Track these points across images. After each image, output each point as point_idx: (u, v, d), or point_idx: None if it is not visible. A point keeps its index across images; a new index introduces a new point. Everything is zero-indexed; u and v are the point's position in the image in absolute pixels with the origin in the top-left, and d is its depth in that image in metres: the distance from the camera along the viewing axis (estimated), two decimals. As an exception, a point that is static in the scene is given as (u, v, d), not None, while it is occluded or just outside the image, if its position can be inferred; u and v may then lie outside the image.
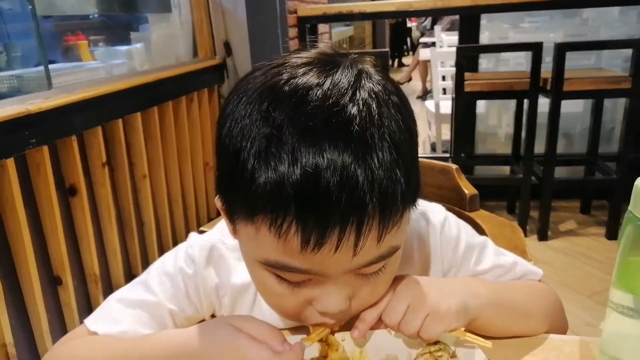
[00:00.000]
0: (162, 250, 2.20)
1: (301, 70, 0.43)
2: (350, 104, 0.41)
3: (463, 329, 0.51)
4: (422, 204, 0.63)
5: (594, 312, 1.92)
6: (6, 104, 1.41)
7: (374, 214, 0.41)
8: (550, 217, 2.52)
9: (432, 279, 0.56)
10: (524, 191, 2.48)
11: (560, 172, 2.57)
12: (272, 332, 0.45)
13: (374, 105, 0.42)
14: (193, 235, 0.65)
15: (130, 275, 2.00)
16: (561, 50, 2.21)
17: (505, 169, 2.93)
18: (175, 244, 2.28)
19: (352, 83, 0.43)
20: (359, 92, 0.43)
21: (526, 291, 0.62)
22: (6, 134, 1.34)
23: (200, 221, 2.52)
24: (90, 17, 2.14)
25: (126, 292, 0.61)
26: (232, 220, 0.47)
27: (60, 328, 1.64)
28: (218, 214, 2.11)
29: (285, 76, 0.43)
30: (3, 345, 1.38)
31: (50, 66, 1.66)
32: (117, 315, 0.58)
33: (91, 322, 0.58)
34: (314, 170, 0.39)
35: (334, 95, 0.42)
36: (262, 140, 0.41)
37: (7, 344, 1.38)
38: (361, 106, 0.42)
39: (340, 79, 0.43)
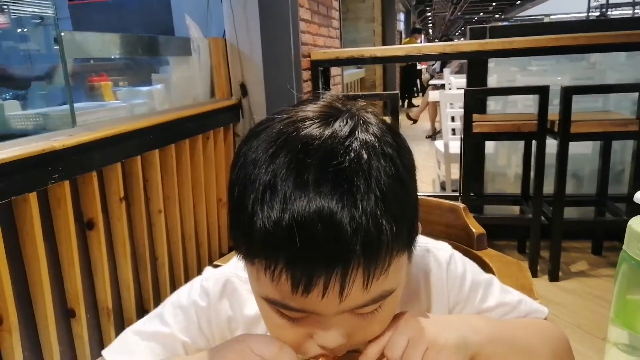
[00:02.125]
0: (174, 285, 2.22)
1: (305, 123, 0.47)
2: (343, 156, 0.44)
3: None
4: (429, 242, 0.66)
5: (608, 356, 1.88)
6: (32, 140, 1.47)
7: (358, 262, 0.43)
8: (560, 257, 2.51)
9: (434, 315, 0.58)
10: (534, 231, 2.48)
11: (570, 212, 2.57)
12: (283, 352, 0.48)
13: (365, 157, 0.44)
14: (208, 269, 0.68)
15: (142, 310, 2.01)
16: (568, 93, 2.26)
17: (515, 209, 2.93)
18: (187, 279, 2.31)
19: (347, 135, 0.46)
20: (353, 143, 0.45)
21: (530, 328, 0.63)
22: (31, 169, 1.40)
23: (212, 257, 2.54)
24: (114, 58, 2.25)
25: (142, 324, 0.64)
26: (239, 257, 0.50)
27: (71, 360, 1.65)
28: (230, 250, 2.15)
29: (290, 128, 0.47)
30: (16, 377, 1.39)
31: (75, 105, 1.75)
32: (132, 346, 0.61)
33: (108, 352, 0.61)
34: (301, 219, 0.42)
35: (329, 147, 0.44)
36: (260, 188, 0.44)
37: (20, 375, 1.40)
38: (352, 157, 0.44)
39: (337, 131, 0.46)
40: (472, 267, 0.66)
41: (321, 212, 0.42)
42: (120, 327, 1.89)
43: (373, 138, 0.47)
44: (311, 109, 0.49)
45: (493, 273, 0.89)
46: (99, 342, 1.78)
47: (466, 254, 0.89)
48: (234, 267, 0.63)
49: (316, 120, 0.47)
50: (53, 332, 1.50)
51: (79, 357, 1.66)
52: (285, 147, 0.45)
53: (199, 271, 2.22)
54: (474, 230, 0.99)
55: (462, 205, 1.04)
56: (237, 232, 0.48)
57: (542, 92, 2.29)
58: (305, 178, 0.43)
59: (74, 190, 1.60)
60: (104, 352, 0.61)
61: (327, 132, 0.46)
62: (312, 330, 0.49)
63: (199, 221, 2.39)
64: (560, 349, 0.63)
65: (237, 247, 0.50)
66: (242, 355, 0.48)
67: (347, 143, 0.45)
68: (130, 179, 1.88)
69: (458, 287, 0.64)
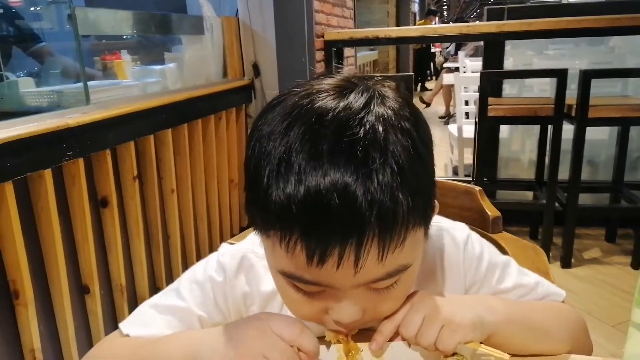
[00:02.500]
0: (185, 264, 2.24)
1: (320, 95, 0.46)
2: (357, 127, 0.44)
3: (480, 343, 0.53)
4: (446, 222, 0.66)
5: (619, 342, 1.87)
6: (47, 117, 1.48)
7: (373, 234, 0.43)
8: (574, 244, 2.49)
9: (450, 294, 0.57)
10: (547, 217, 2.46)
11: (584, 199, 2.54)
12: (304, 335, 0.48)
13: (380, 129, 0.44)
14: (224, 245, 0.68)
15: (154, 287, 2.04)
16: (587, 77, 2.21)
17: (528, 194, 2.90)
18: (198, 257, 2.33)
19: (362, 106, 0.45)
20: (368, 116, 0.45)
21: (547, 311, 0.62)
22: (46, 146, 1.41)
23: (224, 236, 2.56)
24: (127, 37, 2.24)
25: (159, 298, 0.64)
26: (255, 230, 0.50)
27: (85, 336, 1.68)
28: (241, 230, 2.17)
29: (305, 100, 0.46)
30: (31, 351, 1.42)
31: (88, 83, 1.75)
32: (148, 319, 0.62)
33: (125, 325, 0.61)
34: (316, 191, 0.42)
35: (343, 119, 0.44)
36: (275, 161, 0.44)
37: (35, 349, 1.42)
38: (367, 129, 0.44)
39: (352, 103, 0.45)
40: (489, 248, 0.66)
41: (335, 185, 0.42)
42: (133, 303, 1.91)
43: (390, 111, 0.46)
44: (327, 82, 0.49)
45: (508, 255, 0.88)
46: (113, 319, 1.81)
47: (481, 237, 0.88)
48: (251, 244, 0.63)
49: (331, 93, 0.47)
50: (68, 308, 1.53)
51: (93, 332, 1.69)
52: (300, 119, 0.45)
53: (211, 250, 2.23)
54: (489, 213, 0.98)
55: (477, 188, 1.03)
56: (253, 205, 0.48)
57: (560, 75, 2.25)
58: (320, 150, 0.43)
59: (88, 168, 1.61)
60: (120, 325, 0.61)
61: (342, 104, 0.45)
62: (327, 305, 0.49)
63: (210, 201, 2.40)
64: (577, 332, 0.62)
65: (253, 220, 0.50)
66: (261, 333, 0.48)
67: (361, 115, 0.45)
68: (144, 158, 1.89)
69: (475, 268, 0.63)
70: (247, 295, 0.63)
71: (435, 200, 0.52)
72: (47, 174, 1.42)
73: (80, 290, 1.64)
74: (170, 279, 2.14)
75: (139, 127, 1.81)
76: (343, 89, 0.47)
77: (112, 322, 1.81)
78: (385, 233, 0.43)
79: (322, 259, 0.43)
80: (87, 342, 1.69)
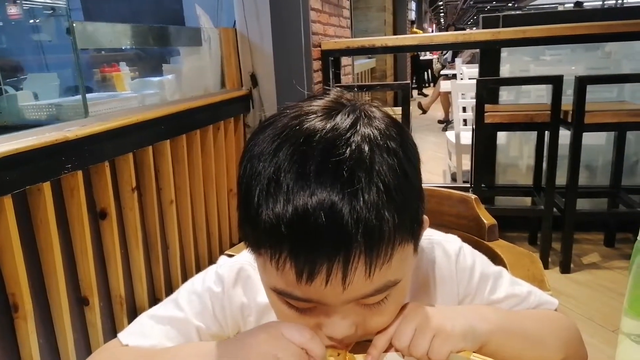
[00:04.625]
0: (185, 275, 2.24)
1: (309, 117, 0.48)
2: (344, 147, 0.45)
3: (473, 352, 0.53)
4: (437, 235, 0.66)
5: (619, 348, 1.87)
6: (46, 130, 1.49)
7: (360, 251, 0.43)
8: (572, 249, 2.49)
9: (442, 306, 0.58)
10: (546, 223, 2.46)
11: (582, 204, 2.54)
12: (314, 340, 0.48)
13: (366, 149, 0.45)
14: (222, 257, 0.69)
15: (154, 298, 2.04)
16: (582, 83, 2.22)
17: (527, 200, 2.91)
18: (198, 268, 2.34)
19: (348, 127, 0.46)
20: (354, 136, 0.46)
21: (540, 319, 0.63)
22: (45, 159, 1.42)
23: (223, 247, 2.56)
24: (125, 49, 2.26)
25: (157, 309, 0.65)
26: (247, 248, 0.51)
27: (85, 347, 1.68)
28: (240, 240, 2.14)
29: (294, 122, 0.48)
30: (31, 363, 1.42)
31: (87, 95, 1.76)
32: (147, 330, 0.62)
33: (124, 335, 0.62)
34: (304, 211, 0.43)
35: (330, 140, 0.45)
36: (265, 181, 0.45)
37: (35, 362, 1.42)
38: (353, 149, 0.45)
39: (339, 124, 0.47)
40: (481, 259, 0.66)
41: (322, 204, 0.43)
42: (133, 315, 1.91)
43: (375, 131, 0.48)
44: (317, 104, 0.50)
45: (504, 264, 0.89)
46: (112, 330, 1.81)
47: (477, 245, 0.89)
48: (248, 256, 0.64)
49: (319, 114, 0.48)
50: (67, 320, 1.53)
51: (93, 344, 1.69)
52: (288, 140, 0.46)
53: (210, 261, 2.25)
54: (485, 221, 0.99)
55: (473, 196, 1.03)
56: (245, 224, 0.49)
57: (555, 82, 2.26)
58: (307, 170, 0.44)
59: (86, 180, 1.62)
60: (119, 335, 0.62)
61: (329, 125, 0.47)
62: (319, 321, 0.49)
63: (209, 211, 2.40)
64: (570, 340, 0.63)
65: (246, 238, 0.51)
66: (273, 337, 0.49)
67: (347, 135, 0.46)
68: (142, 169, 1.90)
69: (467, 279, 0.64)
70: (244, 307, 0.64)
71: (425, 216, 0.53)
72: (46, 187, 1.43)
73: (79, 302, 1.64)
74: (169, 290, 2.14)
75: (138, 139, 1.82)
76: (331, 110, 0.49)
77: (112, 334, 1.81)
78: (372, 250, 0.44)
79: (310, 276, 0.44)
80: (86, 354, 1.68)
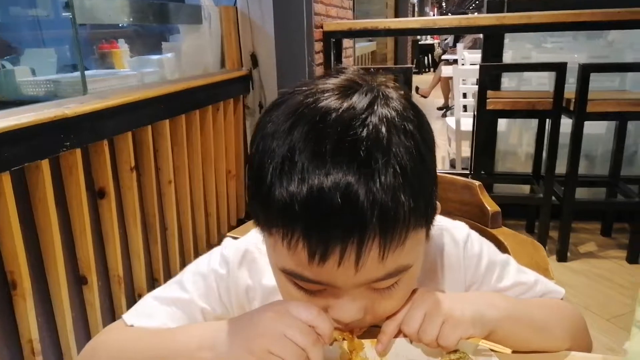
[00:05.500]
0: (183, 255, 2.24)
1: (324, 95, 0.47)
2: (360, 128, 0.44)
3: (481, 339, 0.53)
4: (446, 222, 0.66)
5: (615, 336, 1.89)
6: (44, 107, 1.46)
7: (374, 233, 0.43)
8: (570, 238, 2.50)
9: (451, 292, 0.58)
10: (544, 211, 2.47)
11: (581, 193, 2.55)
12: (321, 316, 0.48)
13: (384, 130, 0.44)
14: (227, 239, 0.68)
15: (151, 278, 2.04)
16: (585, 71, 2.21)
17: (525, 188, 2.91)
18: (196, 248, 2.34)
19: (365, 107, 0.46)
20: (371, 116, 0.45)
21: (547, 307, 0.63)
22: (43, 136, 1.40)
23: (221, 228, 2.56)
24: (124, 26, 2.22)
25: (162, 290, 0.64)
26: (257, 227, 0.51)
27: (83, 326, 1.68)
28: (239, 222, 2.16)
29: (309, 100, 0.47)
30: (29, 341, 1.42)
31: (85, 72, 1.73)
32: (152, 311, 0.62)
33: (128, 316, 0.61)
34: (319, 190, 0.42)
35: (346, 119, 0.44)
36: (279, 159, 0.44)
37: (33, 339, 1.42)
38: (370, 130, 0.44)
39: (355, 103, 0.46)
40: (488, 247, 0.66)
41: (338, 184, 0.42)
42: (131, 294, 1.92)
43: (393, 112, 0.47)
44: (331, 82, 0.49)
45: (508, 251, 0.88)
46: (110, 309, 1.81)
47: (480, 232, 0.88)
48: (253, 238, 0.63)
49: (335, 93, 0.47)
50: (65, 298, 1.53)
51: (91, 323, 1.70)
52: (303, 118, 0.45)
53: (208, 241, 2.24)
54: (489, 208, 0.98)
55: (477, 183, 1.03)
56: (255, 203, 0.48)
57: (559, 69, 2.24)
58: (323, 149, 0.43)
59: (85, 158, 1.60)
60: (124, 316, 0.61)
61: (345, 104, 0.46)
62: (328, 303, 0.49)
63: (208, 192, 2.39)
64: (576, 329, 0.63)
65: (256, 217, 0.50)
66: (280, 315, 0.48)
67: (364, 115, 0.45)
68: (141, 149, 1.88)
69: (474, 267, 0.64)
70: (249, 289, 0.63)
71: (437, 202, 0.52)
72: (45, 164, 1.41)
73: (78, 281, 1.63)
74: (167, 270, 2.14)
75: (137, 118, 1.80)
76: (347, 89, 0.48)
77: (110, 313, 1.81)
78: (387, 233, 0.44)
79: (323, 257, 0.43)
80: (84, 332, 1.69)
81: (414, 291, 0.54)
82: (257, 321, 0.49)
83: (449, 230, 0.64)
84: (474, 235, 0.66)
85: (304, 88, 0.49)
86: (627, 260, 2.47)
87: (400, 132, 0.45)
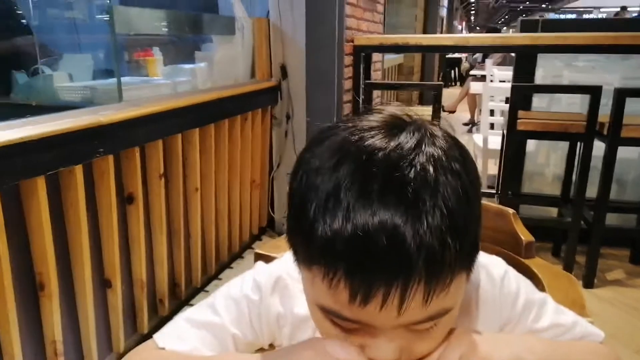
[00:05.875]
0: (205, 262, 2.26)
1: (369, 133, 0.46)
2: (408, 168, 0.43)
3: None
4: (482, 257, 0.64)
5: (641, 370, 1.83)
6: (81, 113, 1.50)
7: (419, 277, 0.42)
8: (597, 264, 2.44)
9: (487, 332, 0.56)
10: (572, 236, 2.41)
11: (610, 218, 2.48)
12: (360, 357, 0.47)
13: (431, 171, 0.43)
14: (260, 264, 0.67)
15: (173, 284, 2.06)
16: (621, 95, 2.16)
17: (552, 210, 2.85)
18: (217, 255, 2.35)
19: (413, 147, 0.45)
20: (419, 156, 0.44)
21: (586, 352, 0.61)
22: (78, 142, 1.43)
23: (243, 236, 2.57)
24: (159, 34, 2.26)
25: (194, 312, 0.64)
26: (295, 261, 0.50)
27: (105, 328, 1.70)
28: (260, 230, 2.15)
29: (354, 137, 0.46)
30: (53, 342, 1.44)
31: (121, 79, 1.76)
32: (183, 333, 0.61)
33: (159, 337, 0.61)
34: (364, 230, 0.41)
35: (394, 159, 0.44)
36: (323, 195, 0.44)
37: (57, 340, 1.45)
38: (418, 170, 0.43)
39: (403, 143, 0.45)
40: (526, 285, 0.64)
41: (385, 225, 0.41)
42: (153, 299, 1.93)
43: (440, 152, 0.46)
44: (375, 119, 0.49)
45: (542, 284, 0.86)
46: (132, 313, 1.83)
47: (512, 261, 0.86)
48: (285, 265, 0.63)
49: (381, 131, 0.46)
50: (90, 301, 1.55)
51: (113, 326, 1.72)
52: (349, 156, 0.45)
53: (230, 249, 2.25)
54: (523, 238, 0.96)
55: (511, 211, 1.01)
56: (296, 238, 0.48)
57: (594, 92, 2.20)
58: (369, 189, 0.42)
59: (116, 164, 1.63)
60: (155, 336, 0.61)
61: (393, 143, 0.45)
62: (364, 342, 0.48)
63: (232, 201, 2.41)
64: (616, 376, 0.61)
65: (295, 252, 0.49)
66: (318, 354, 0.47)
67: (412, 155, 0.44)
68: (170, 157, 1.91)
69: (511, 305, 0.62)
70: (280, 317, 0.63)
71: (479, 242, 0.51)
72: (78, 169, 1.44)
73: (102, 284, 1.66)
74: (189, 276, 2.16)
75: (168, 126, 1.83)
76: (393, 127, 0.47)
77: (131, 317, 1.83)
78: (432, 277, 0.42)
79: (365, 299, 0.43)
80: (106, 335, 1.71)
81: (450, 331, 0.53)
82: (295, 359, 0.48)
83: (486, 266, 0.63)
84: (511, 272, 0.64)
85: (348, 124, 0.48)
86: (657, 290, 2.40)
87: (448, 172, 0.44)
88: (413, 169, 0.43)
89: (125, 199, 1.71)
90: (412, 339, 0.48)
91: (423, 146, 0.45)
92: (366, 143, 0.45)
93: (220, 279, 2.39)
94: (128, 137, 1.62)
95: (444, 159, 0.45)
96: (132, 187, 1.71)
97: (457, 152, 0.47)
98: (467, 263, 0.47)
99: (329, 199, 0.43)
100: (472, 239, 0.46)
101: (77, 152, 1.43)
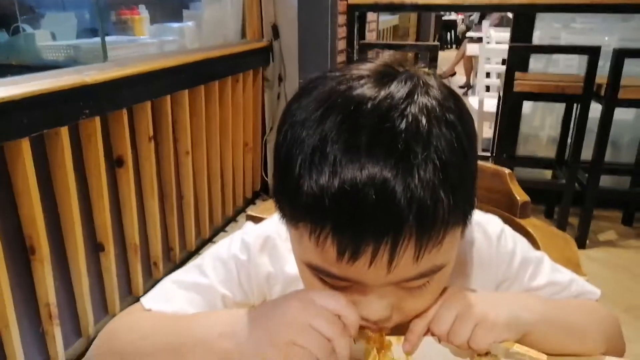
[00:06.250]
0: (198, 225, 2.25)
1: (359, 82, 0.43)
2: (399, 119, 0.41)
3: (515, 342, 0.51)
4: (478, 215, 0.63)
5: (630, 326, 1.84)
6: (64, 73, 1.45)
7: (410, 233, 0.40)
8: (590, 225, 2.46)
9: (483, 291, 0.55)
10: (566, 198, 2.41)
11: (604, 180, 2.48)
12: (349, 306, 0.45)
13: (424, 122, 0.41)
14: (248, 224, 0.66)
15: (167, 247, 2.05)
16: (620, 56, 2.12)
17: (546, 173, 2.85)
18: (211, 219, 2.34)
19: (404, 97, 0.42)
20: (411, 107, 0.42)
21: (583, 310, 0.60)
22: (62, 103, 1.39)
23: (236, 200, 2.56)
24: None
25: (181, 274, 0.62)
26: (282, 219, 0.48)
27: (99, 292, 1.70)
28: (254, 194, 2.14)
29: (342, 87, 0.43)
30: (47, 305, 1.44)
31: (105, 39, 1.70)
32: (170, 295, 0.60)
33: (147, 300, 0.59)
34: (352, 185, 0.39)
35: (384, 109, 0.41)
36: (309, 150, 0.42)
37: (50, 303, 1.45)
38: (410, 121, 0.41)
39: (394, 92, 0.42)
40: (522, 243, 0.63)
41: (373, 179, 0.39)
42: (146, 263, 1.93)
43: (434, 102, 0.43)
44: (366, 68, 0.46)
45: (537, 244, 0.85)
46: (126, 277, 1.83)
47: (508, 221, 0.85)
48: (275, 225, 0.61)
49: (371, 80, 0.44)
50: (83, 265, 1.54)
51: (107, 289, 1.72)
52: (336, 107, 0.42)
53: (223, 212, 2.24)
54: (518, 198, 0.95)
55: (507, 171, 0.99)
56: (281, 195, 0.46)
57: (592, 53, 2.15)
58: (357, 141, 0.40)
59: (104, 127, 1.59)
60: (142, 299, 0.60)
61: (383, 93, 0.42)
62: (354, 299, 0.46)
63: (225, 164, 2.38)
64: (611, 333, 0.61)
65: (281, 209, 0.47)
66: (306, 304, 0.46)
67: (404, 105, 0.42)
68: (160, 119, 1.87)
69: (507, 263, 0.61)
70: (270, 276, 0.61)
71: (475, 198, 0.49)
72: (64, 131, 1.40)
73: (95, 248, 1.65)
74: (182, 239, 2.15)
75: (156, 87, 1.78)
76: (383, 76, 0.44)
77: (126, 281, 1.83)
78: (424, 233, 0.41)
79: (353, 256, 0.41)
80: (101, 298, 1.71)
81: (444, 289, 0.51)
82: (281, 311, 0.47)
83: (482, 224, 0.61)
84: (508, 230, 0.63)
85: (336, 73, 0.46)
86: (647, 251, 2.42)
87: (442, 124, 0.42)
88: (404, 120, 0.41)
89: (114, 162, 1.68)
90: (404, 297, 0.47)
91: (415, 96, 0.43)
92: (354, 93, 0.43)
93: (214, 243, 2.39)
94: (114, 98, 1.57)
95: (437, 109, 0.43)
96: (121, 150, 1.67)
97: (452, 103, 0.45)
98: (461, 219, 0.45)
99: (315, 153, 0.41)
100: (467, 193, 0.44)
101: (62, 114, 1.39)
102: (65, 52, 1.70)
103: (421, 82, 0.44)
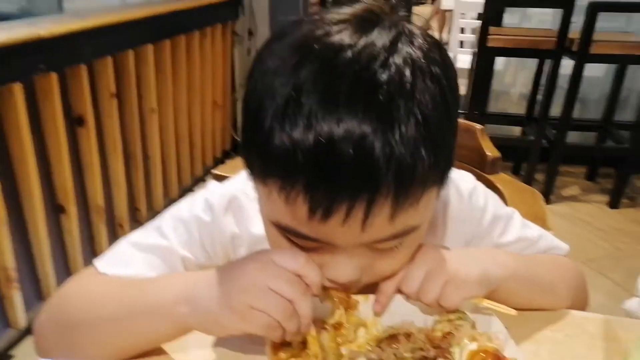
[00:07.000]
0: (166, 186, 2.20)
1: (337, 28, 0.40)
2: (380, 70, 0.38)
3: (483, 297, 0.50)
4: (452, 172, 0.61)
5: (590, 279, 1.93)
6: (16, 26, 1.36)
7: (387, 191, 0.38)
8: (555, 181, 2.51)
9: (454, 248, 0.55)
10: (534, 153, 2.45)
11: (571, 136, 2.52)
12: (309, 265, 0.44)
13: (408, 74, 0.39)
14: (213, 183, 0.63)
15: (133, 208, 2.01)
16: (594, 10, 2.10)
17: (515, 129, 2.88)
18: (179, 179, 2.29)
19: (387, 46, 0.39)
20: (394, 57, 0.39)
21: (551, 265, 0.61)
22: (15, 58, 1.31)
23: (206, 160, 2.50)
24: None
25: (138, 235, 0.59)
26: (250, 176, 0.45)
27: (62, 255, 1.66)
28: (224, 154, 2.09)
29: (319, 32, 0.40)
30: (4, 269, 1.40)
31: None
32: (128, 258, 0.57)
33: (101, 264, 0.56)
34: (328, 140, 0.37)
35: (364, 59, 0.38)
36: (281, 100, 0.39)
37: (8, 267, 1.40)
38: (392, 73, 0.38)
39: (375, 40, 0.40)
40: (494, 200, 0.62)
41: (351, 133, 0.37)
42: (111, 224, 1.88)
43: (419, 53, 0.40)
44: (345, 12, 0.42)
45: (504, 199, 0.85)
46: (90, 239, 1.79)
47: (477, 177, 0.84)
48: (241, 184, 0.58)
49: (351, 25, 0.40)
50: (42, 227, 1.49)
51: (70, 252, 1.67)
52: (312, 54, 0.39)
53: (192, 172, 2.18)
54: (488, 154, 0.94)
55: (478, 126, 0.98)
56: (250, 148, 0.43)
57: (566, 5, 2.13)
58: (335, 92, 0.37)
59: (62, 84, 1.51)
60: (96, 262, 0.56)
61: (364, 40, 0.39)
62: (323, 261, 0.45)
63: (193, 122, 2.32)
64: (578, 287, 0.62)
65: (249, 164, 0.44)
66: (264, 265, 0.44)
67: (386, 55, 0.39)
68: (122, 75, 1.79)
69: (478, 220, 0.60)
70: (235, 237, 0.59)
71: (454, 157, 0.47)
72: (17, 88, 1.33)
73: (55, 210, 1.59)
74: (149, 200, 2.10)
75: (118, 41, 1.69)
76: (364, 21, 0.41)
77: (90, 243, 1.79)
78: (401, 192, 0.39)
79: (326, 215, 0.39)
80: (63, 261, 1.67)
81: (418, 247, 0.50)
82: (239, 273, 0.45)
83: (454, 181, 0.60)
84: (480, 187, 0.62)
85: (314, 17, 0.42)
86: (609, 205, 2.50)
87: (426, 76, 0.39)
88: (387, 71, 0.38)
89: (74, 121, 1.60)
90: (375, 258, 0.45)
91: (399, 45, 0.40)
92: (332, 39, 0.39)
93: (183, 203, 2.35)
94: (72, 53, 1.49)
95: (422, 61, 0.40)
96: (82, 108, 1.60)
97: (438, 54, 0.42)
98: (439, 178, 0.43)
99: (288, 104, 0.38)
100: (448, 151, 0.43)
101: (14, 69, 1.31)
102: (16, 3, 1.59)
103: (405, 30, 0.42)
